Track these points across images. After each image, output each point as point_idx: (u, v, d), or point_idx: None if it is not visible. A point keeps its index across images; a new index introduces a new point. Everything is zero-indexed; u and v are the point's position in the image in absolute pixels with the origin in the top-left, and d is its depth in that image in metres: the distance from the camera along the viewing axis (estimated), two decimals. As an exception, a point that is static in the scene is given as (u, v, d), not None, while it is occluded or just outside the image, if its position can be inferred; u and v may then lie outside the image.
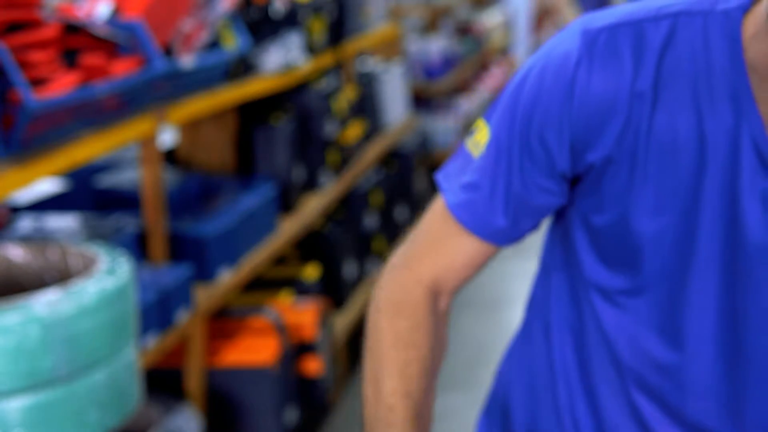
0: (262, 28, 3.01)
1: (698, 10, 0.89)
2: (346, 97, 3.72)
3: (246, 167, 3.15)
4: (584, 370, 1.02)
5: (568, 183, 0.97)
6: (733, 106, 0.87)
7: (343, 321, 3.38)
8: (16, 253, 1.99)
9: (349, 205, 3.75)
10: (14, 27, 1.85)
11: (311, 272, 3.24)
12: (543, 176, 0.96)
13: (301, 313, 2.92)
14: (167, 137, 3.27)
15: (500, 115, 0.98)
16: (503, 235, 1.01)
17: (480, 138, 0.99)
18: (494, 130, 0.98)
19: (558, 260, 1.06)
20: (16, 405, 1.61)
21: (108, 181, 2.81)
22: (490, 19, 7.76)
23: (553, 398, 1.06)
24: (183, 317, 2.31)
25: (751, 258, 0.89)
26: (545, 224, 1.07)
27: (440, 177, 1.04)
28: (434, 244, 1.03)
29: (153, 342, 2.16)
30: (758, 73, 0.87)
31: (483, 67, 7.69)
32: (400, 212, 4.35)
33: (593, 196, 0.95)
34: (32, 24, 1.88)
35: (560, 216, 1.04)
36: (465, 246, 1.01)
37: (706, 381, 0.93)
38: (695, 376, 0.94)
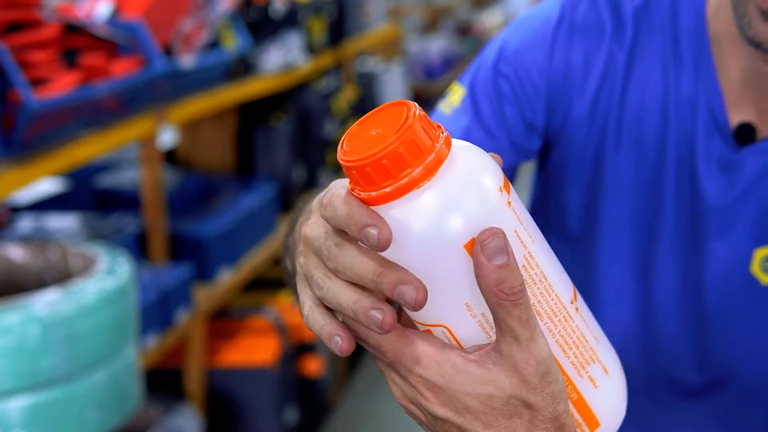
0: (262, 28, 3.01)
1: None
2: (346, 97, 3.72)
3: (246, 167, 3.15)
4: None
5: (537, 141, 0.97)
6: (695, 75, 0.90)
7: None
8: (17, 252, 1.99)
9: (349, 205, 3.75)
10: (14, 27, 1.85)
11: (311, 272, 3.24)
12: (515, 130, 0.95)
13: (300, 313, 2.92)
14: (167, 137, 3.27)
15: (474, 73, 0.98)
16: None
17: (454, 99, 0.99)
18: (469, 86, 0.98)
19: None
20: (16, 405, 1.61)
21: (108, 181, 2.81)
22: (490, 19, 7.76)
23: None
24: (183, 317, 2.31)
25: (710, 223, 0.91)
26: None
27: None
28: None
29: (153, 342, 2.16)
30: (720, 42, 0.90)
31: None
32: (400, 212, 4.34)
33: (566, 168, 0.96)
34: (32, 24, 1.88)
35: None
36: None
37: (675, 345, 0.96)
38: (666, 341, 0.96)
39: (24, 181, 1.79)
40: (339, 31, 3.68)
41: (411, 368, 0.59)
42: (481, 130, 0.95)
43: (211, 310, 2.60)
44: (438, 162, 0.57)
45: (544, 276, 0.61)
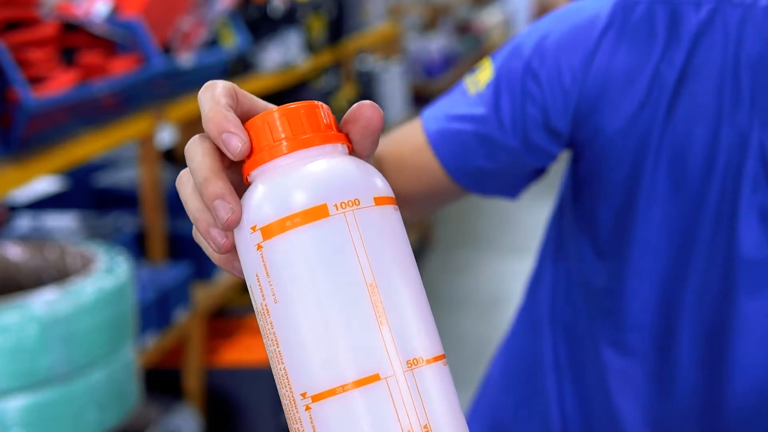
0: (262, 26, 3.01)
1: (740, 2, 0.84)
2: (346, 95, 3.71)
3: (245, 166, 3.15)
4: (575, 364, 1.01)
5: (558, 146, 0.92)
6: (750, 108, 0.83)
7: (342, 320, 3.38)
8: (15, 252, 1.98)
9: (348, 204, 3.75)
10: (13, 25, 1.85)
11: (310, 271, 3.24)
12: (534, 131, 0.90)
13: (300, 313, 2.92)
14: (166, 136, 3.26)
15: (507, 57, 0.92)
16: (471, 178, 0.94)
17: (482, 77, 0.94)
18: (498, 71, 0.92)
19: (553, 254, 1.04)
20: (14, 404, 1.61)
21: (106, 179, 2.80)
22: (490, 18, 7.76)
23: (540, 388, 1.05)
24: (182, 316, 2.31)
25: (742, 277, 0.85)
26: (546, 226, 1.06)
27: (427, 108, 0.98)
28: (396, 162, 0.96)
29: (152, 341, 2.15)
30: None
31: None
32: (399, 211, 4.34)
33: (597, 180, 0.90)
34: (31, 22, 1.88)
35: (561, 209, 1.02)
36: (426, 176, 0.95)
37: (688, 387, 0.92)
38: (679, 382, 0.92)
39: (22, 179, 1.78)
40: (338, 29, 3.68)
41: None
42: (494, 124, 0.90)
43: (210, 310, 2.59)
44: (302, 143, 0.54)
45: (277, 344, 0.53)
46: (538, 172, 0.97)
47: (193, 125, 3.06)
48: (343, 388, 0.51)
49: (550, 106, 0.88)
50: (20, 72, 1.75)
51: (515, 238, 5.01)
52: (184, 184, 0.56)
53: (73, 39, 1.99)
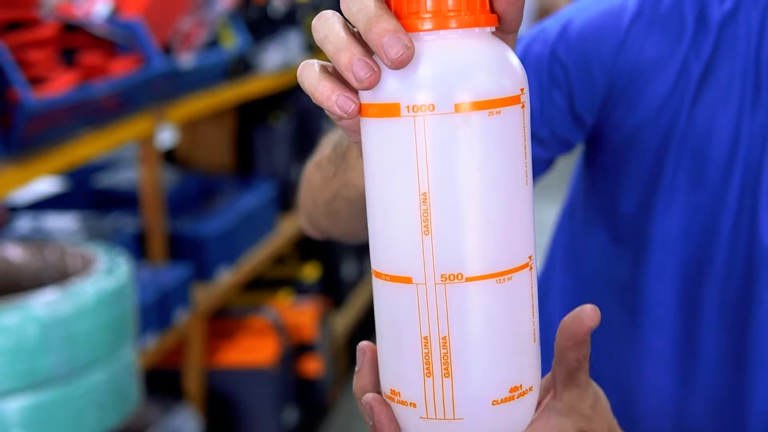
0: (262, 27, 3.01)
1: None
2: (346, 96, 3.71)
3: (245, 167, 3.15)
4: (592, 362, 1.00)
5: (580, 135, 0.90)
6: None
7: (342, 321, 3.38)
8: (15, 252, 1.98)
9: (348, 204, 3.74)
10: (13, 26, 1.85)
11: (310, 272, 3.24)
12: (560, 120, 0.89)
13: (300, 313, 2.92)
14: (166, 137, 3.26)
15: (530, 43, 0.90)
16: None
17: None
18: (521, 58, 0.91)
19: (563, 260, 1.02)
20: (14, 405, 1.61)
21: (107, 180, 2.80)
22: (490, 19, 7.75)
23: None
24: (182, 317, 2.31)
25: (764, 268, 0.84)
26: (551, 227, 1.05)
27: None
28: None
29: (152, 342, 2.15)
30: None
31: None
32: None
33: (620, 171, 0.89)
34: (31, 23, 1.88)
35: (573, 208, 1.01)
36: None
37: (711, 382, 0.91)
38: (702, 377, 0.92)
39: (22, 180, 1.78)
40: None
41: None
42: None
43: (211, 310, 2.59)
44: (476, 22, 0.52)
45: None
46: (549, 163, 0.96)
47: (193, 125, 3.06)
48: (385, 277, 0.55)
49: (577, 94, 0.87)
50: (20, 72, 1.75)
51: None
52: (329, 19, 0.55)
53: (73, 39, 1.99)
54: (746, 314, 0.87)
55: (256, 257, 2.81)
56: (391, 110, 0.52)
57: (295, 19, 3.12)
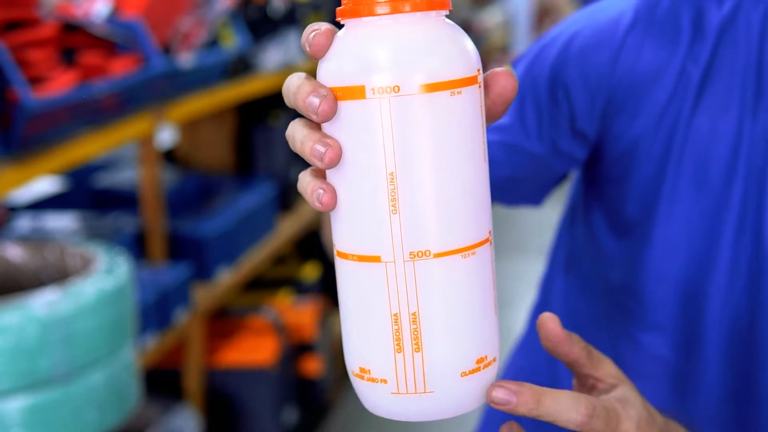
0: (262, 26, 3.00)
1: None
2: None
3: (245, 166, 3.15)
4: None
5: (584, 149, 0.90)
6: None
7: (342, 320, 3.38)
8: (15, 252, 1.98)
9: (348, 204, 3.74)
10: (12, 25, 1.85)
11: (310, 272, 3.24)
12: (562, 136, 0.89)
13: (300, 313, 2.92)
14: (166, 136, 3.26)
15: (531, 62, 0.91)
16: (496, 189, 0.92)
17: None
18: (522, 78, 0.91)
19: (565, 261, 1.03)
20: (14, 405, 1.61)
21: (106, 180, 2.80)
22: (491, 18, 7.76)
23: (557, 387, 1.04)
24: (182, 317, 2.31)
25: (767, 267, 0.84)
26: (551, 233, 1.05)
27: None
28: None
29: (152, 342, 2.15)
30: None
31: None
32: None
33: (621, 180, 0.89)
34: (30, 23, 1.88)
35: (574, 212, 1.01)
36: None
37: (714, 387, 0.91)
38: (705, 382, 0.91)
39: (22, 180, 1.78)
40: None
41: None
42: (520, 132, 0.89)
43: (210, 310, 2.59)
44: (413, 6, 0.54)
45: None
46: (562, 178, 0.96)
47: (193, 125, 3.06)
48: (352, 257, 0.56)
49: (577, 109, 0.88)
50: (20, 72, 1.75)
51: (515, 238, 5.01)
52: (292, 125, 0.62)
53: (73, 39, 1.99)
54: (751, 318, 0.86)
55: (256, 257, 2.81)
56: (356, 92, 0.53)
57: (295, 18, 3.12)
